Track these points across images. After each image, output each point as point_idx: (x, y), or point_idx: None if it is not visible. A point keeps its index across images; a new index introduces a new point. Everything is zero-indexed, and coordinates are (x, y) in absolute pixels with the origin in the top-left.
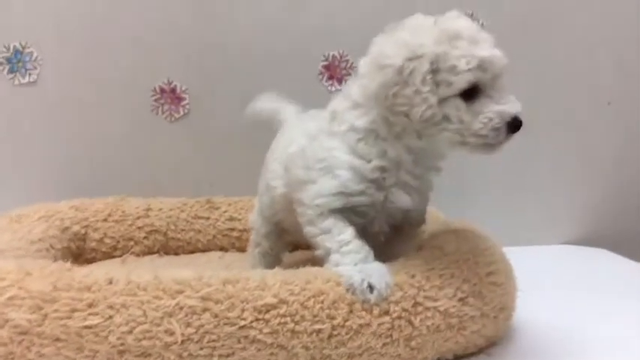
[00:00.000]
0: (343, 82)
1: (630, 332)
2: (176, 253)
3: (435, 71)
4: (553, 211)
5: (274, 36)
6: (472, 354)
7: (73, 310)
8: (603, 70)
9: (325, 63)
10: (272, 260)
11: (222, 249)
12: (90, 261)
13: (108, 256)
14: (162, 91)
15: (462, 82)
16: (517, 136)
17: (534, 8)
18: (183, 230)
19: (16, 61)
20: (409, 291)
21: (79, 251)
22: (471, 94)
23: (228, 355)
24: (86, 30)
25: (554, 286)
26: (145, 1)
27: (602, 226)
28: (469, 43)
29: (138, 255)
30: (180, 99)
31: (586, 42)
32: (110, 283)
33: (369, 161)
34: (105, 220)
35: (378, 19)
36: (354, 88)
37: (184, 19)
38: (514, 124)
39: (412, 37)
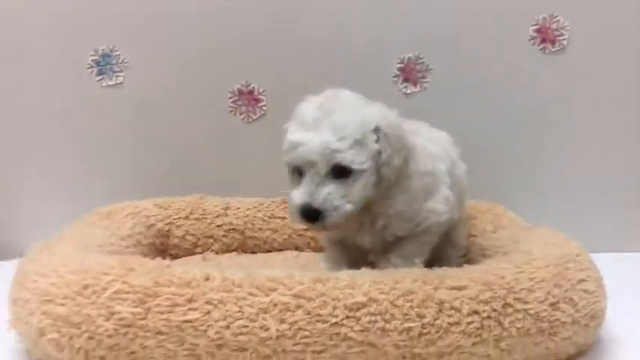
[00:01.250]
0: (419, 85)
1: None
2: (253, 252)
3: None
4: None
5: (351, 37)
6: None
7: (174, 305)
8: None
9: (401, 65)
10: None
11: (298, 248)
12: (173, 257)
13: (189, 252)
14: (240, 92)
15: (285, 158)
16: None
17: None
18: (260, 229)
19: (105, 64)
20: (499, 292)
21: (163, 247)
22: (294, 172)
23: (320, 352)
24: (169, 34)
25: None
26: (224, 3)
27: None
28: (294, 124)
29: (217, 252)
30: (257, 100)
31: None
32: (207, 279)
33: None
34: (186, 217)
35: (455, 20)
36: None
37: (262, 22)
38: (301, 211)
39: None
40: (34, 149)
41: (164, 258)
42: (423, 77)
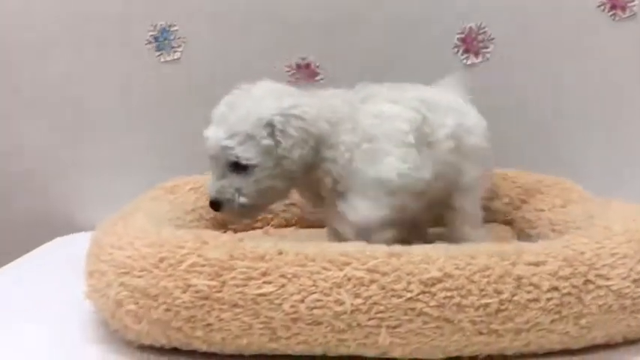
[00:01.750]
0: (480, 56)
1: None
2: (312, 226)
3: None
4: None
5: (409, 8)
6: None
7: (249, 279)
8: None
9: (461, 35)
10: None
11: None
12: (234, 231)
13: (248, 227)
14: (298, 66)
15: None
16: None
17: None
18: None
19: (163, 40)
20: (579, 268)
21: (223, 222)
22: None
23: (395, 327)
24: (226, 8)
25: None
26: None
27: None
28: (214, 119)
29: (276, 227)
30: (314, 74)
31: None
32: (280, 253)
33: None
34: None
35: None
36: None
37: None
38: (211, 204)
39: None
40: (97, 125)
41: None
42: (485, 47)
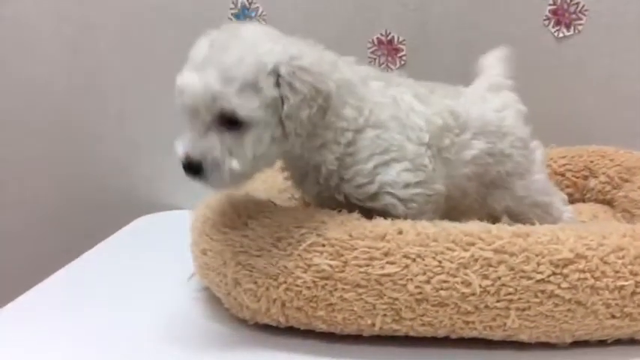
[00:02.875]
0: (572, 28)
1: None
2: None
3: None
4: None
5: None
6: None
7: (372, 259)
8: None
9: (553, 7)
10: None
11: None
12: None
13: None
14: (380, 42)
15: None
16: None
17: None
18: None
19: (243, 18)
20: None
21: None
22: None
23: (524, 309)
24: None
25: None
26: None
27: None
28: (186, 65)
29: None
30: (397, 50)
31: None
32: (400, 233)
33: None
34: None
35: None
36: None
37: None
38: (184, 165)
39: None
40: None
41: None
42: (578, 19)
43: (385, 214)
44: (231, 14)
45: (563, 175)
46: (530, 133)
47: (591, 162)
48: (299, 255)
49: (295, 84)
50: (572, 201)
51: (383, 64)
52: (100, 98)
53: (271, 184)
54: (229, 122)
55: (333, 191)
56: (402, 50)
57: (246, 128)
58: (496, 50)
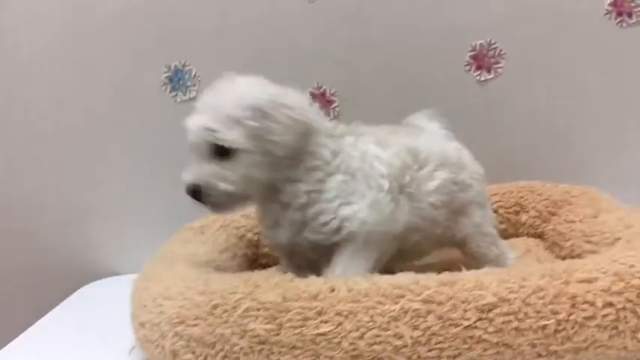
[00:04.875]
0: (493, 71)
1: None
2: None
3: None
4: None
5: (419, 30)
6: None
7: (306, 319)
8: None
9: (473, 53)
10: None
11: None
12: (264, 266)
13: (278, 261)
14: (313, 95)
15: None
16: None
17: None
18: None
19: (177, 80)
20: (632, 281)
21: (255, 257)
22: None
23: (455, 356)
24: (238, 43)
25: None
26: (292, 8)
27: None
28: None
29: None
30: (330, 102)
31: None
32: (333, 290)
33: None
34: None
35: (527, 6)
36: None
37: (329, 23)
38: (189, 191)
39: None
40: (114, 169)
41: (256, 268)
42: (497, 63)
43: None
44: (165, 77)
45: (496, 211)
46: None
47: (521, 197)
48: (235, 321)
49: (276, 115)
50: (506, 236)
51: None
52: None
53: (212, 245)
54: (221, 152)
55: (300, 235)
56: (335, 102)
57: (234, 156)
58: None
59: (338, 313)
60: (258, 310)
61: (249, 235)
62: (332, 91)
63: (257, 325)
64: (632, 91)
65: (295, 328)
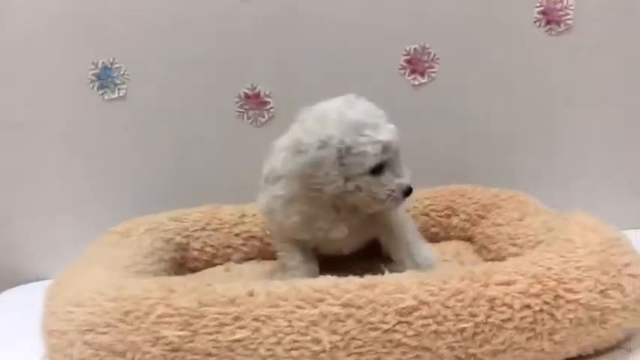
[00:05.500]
0: (426, 76)
1: None
2: (273, 258)
3: (343, 157)
4: None
5: (355, 33)
6: (611, 348)
7: (222, 325)
8: None
9: (407, 57)
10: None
11: None
12: (193, 270)
13: (209, 264)
14: (247, 96)
15: (370, 163)
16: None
17: None
18: None
19: (105, 77)
20: (549, 284)
21: (183, 261)
22: (377, 169)
23: None
24: (169, 42)
25: None
26: (225, 8)
27: None
28: (372, 130)
29: (237, 262)
30: (264, 103)
31: None
32: (251, 295)
33: (289, 217)
34: (203, 229)
35: (458, 7)
36: (276, 163)
37: (262, 23)
38: (407, 192)
39: (322, 127)
40: (41, 170)
41: (184, 272)
42: (431, 67)
43: None
44: (92, 74)
45: (427, 215)
46: None
47: (452, 201)
48: (147, 328)
49: None
50: (437, 239)
51: (251, 117)
52: None
53: (136, 249)
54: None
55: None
56: (270, 103)
57: None
58: None
59: (255, 319)
60: (172, 316)
61: (178, 238)
62: (267, 92)
63: (170, 331)
64: (561, 97)
65: (210, 334)
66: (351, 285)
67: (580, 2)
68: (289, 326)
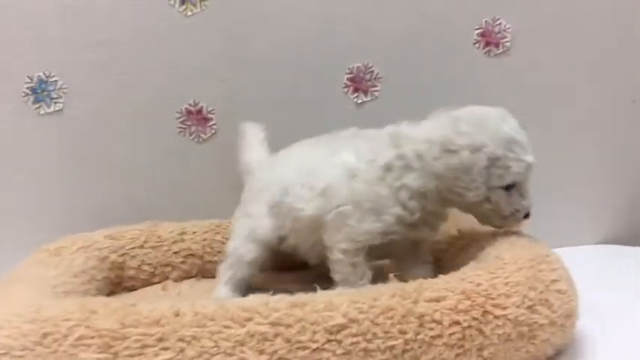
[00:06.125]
0: (370, 94)
1: None
2: (213, 276)
3: (489, 166)
4: (583, 210)
5: (298, 52)
6: None
7: (144, 347)
8: (626, 69)
9: (350, 75)
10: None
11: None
12: (129, 289)
13: (147, 283)
14: (189, 112)
15: (511, 179)
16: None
17: (557, 14)
18: (219, 252)
19: (41, 91)
20: (477, 300)
21: (119, 280)
22: (510, 186)
23: None
24: (108, 56)
25: (601, 287)
26: (168, 23)
27: (634, 223)
28: (521, 148)
29: (176, 280)
30: (207, 119)
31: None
32: (177, 315)
33: (414, 214)
34: (141, 247)
35: (400, 27)
36: (409, 153)
37: (206, 39)
38: (527, 215)
39: (476, 133)
40: None
41: (120, 291)
42: (374, 86)
43: None
44: (27, 88)
45: None
46: None
47: None
48: (65, 351)
49: None
50: None
51: (194, 133)
52: None
53: (66, 268)
54: None
55: None
56: (212, 119)
57: None
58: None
59: (181, 339)
60: (92, 337)
61: (114, 256)
62: (209, 109)
63: (89, 354)
64: None
65: (132, 356)
66: (280, 303)
67: (517, 26)
68: (215, 346)
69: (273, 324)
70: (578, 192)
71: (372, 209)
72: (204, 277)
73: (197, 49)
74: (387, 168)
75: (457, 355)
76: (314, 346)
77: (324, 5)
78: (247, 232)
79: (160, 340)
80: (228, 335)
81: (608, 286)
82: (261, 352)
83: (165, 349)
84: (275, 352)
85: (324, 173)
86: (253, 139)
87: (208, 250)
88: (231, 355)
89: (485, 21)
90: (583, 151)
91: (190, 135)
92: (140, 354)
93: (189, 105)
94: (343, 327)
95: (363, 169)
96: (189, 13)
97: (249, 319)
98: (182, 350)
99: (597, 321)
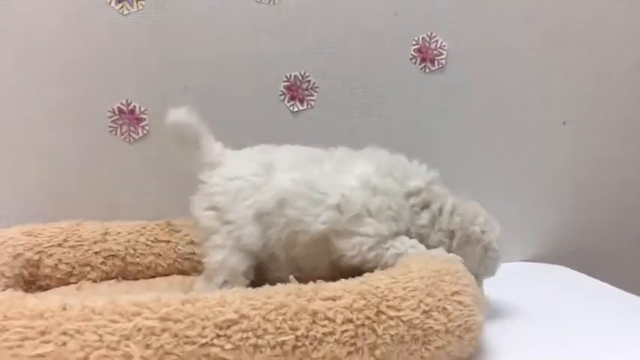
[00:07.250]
0: (305, 103)
1: (595, 347)
2: (135, 278)
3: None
4: (510, 229)
5: (235, 57)
6: None
7: (24, 339)
8: (557, 91)
9: (287, 83)
10: None
11: (184, 273)
12: (44, 288)
13: (63, 282)
14: (121, 112)
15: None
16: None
17: (492, 36)
18: (142, 254)
19: None
20: (372, 300)
21: (33, 278)
22: None
23: None
24: (39, 51)
25: (518, 305)
26: (100, 21)
27: (559, 243)
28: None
29: (95, 281)
30: (139, 120)
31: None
32: (64, 309)
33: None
34: (60, 245)
35: (338, 40)
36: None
37: (142, 39)
38: None
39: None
40: None
41: (33, 290)
42: (310, 95)
43: None
44: None
45: None
46: None
47: None
48: None
49: None
50: None
51: (125, 133)
52: None
53: None
54: None
55: None
56: (145, 120)
57: None
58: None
59: (64, 333)
60: None
61: (29, 254)
62: (142, 109)
63: None
64: (429, 132)
65: (11, 348)
66: (172, 300)
67: (453, 44)
68: (99, 340)
69: (162, 319)
70: (506, 213)
71: (390, 217)
72: (125, 278)
73: (132, 49)
74: (415, 195)
75: (349, 352)
76: (202, 341)
77: (261, 12)
78: (232, 242)
79: (42, 333)
80: (114, 329)
81: (530, 300)
82: (147, 346)
83: (47, 342)
84: (161, 346)
85: (337, 187)
86: (200, 129)
87: (131, 251)
88: (115, 349)
89: (422, 37)
90: (512, 174)
91: (121, 134)
92: (19, 346)
93: (122, 104)
94: (234, 322)
95: (374, 181)
96: (126, 12)
97: (138, 314)
98: (64, 344)
99: (508, 336)
